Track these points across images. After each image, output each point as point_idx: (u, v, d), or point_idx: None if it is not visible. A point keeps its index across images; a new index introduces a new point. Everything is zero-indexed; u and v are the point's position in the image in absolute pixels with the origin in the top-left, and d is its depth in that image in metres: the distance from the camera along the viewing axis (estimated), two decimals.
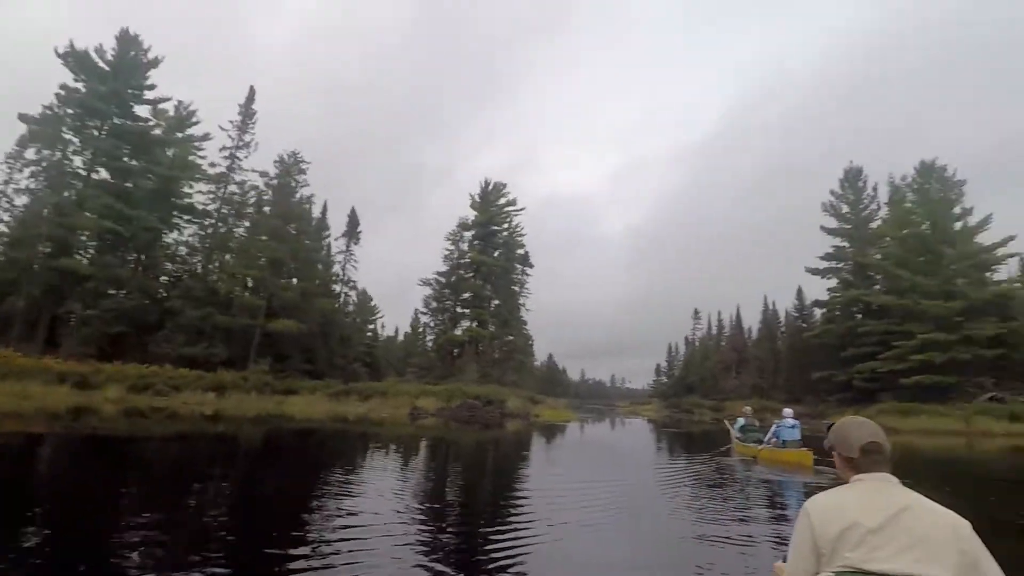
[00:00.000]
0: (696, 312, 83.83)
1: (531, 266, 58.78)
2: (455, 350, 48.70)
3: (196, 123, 40.18)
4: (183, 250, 39.95)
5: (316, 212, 46.77)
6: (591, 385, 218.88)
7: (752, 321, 70.72)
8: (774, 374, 56.88)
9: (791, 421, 13.37)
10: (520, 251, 57.76)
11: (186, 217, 39.64)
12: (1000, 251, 36.84)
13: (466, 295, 52.78)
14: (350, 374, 44.54)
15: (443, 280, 51.54)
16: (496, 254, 55.09)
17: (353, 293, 49.65)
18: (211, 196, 39.18)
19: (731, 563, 4.88)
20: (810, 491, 8.80)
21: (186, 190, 39.14)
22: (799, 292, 55.28)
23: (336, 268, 50.88)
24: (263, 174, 39.37)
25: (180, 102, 39.89)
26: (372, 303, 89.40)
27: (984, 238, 37.75)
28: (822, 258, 46.57)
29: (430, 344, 53.76)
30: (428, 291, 52.20)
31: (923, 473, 13.21)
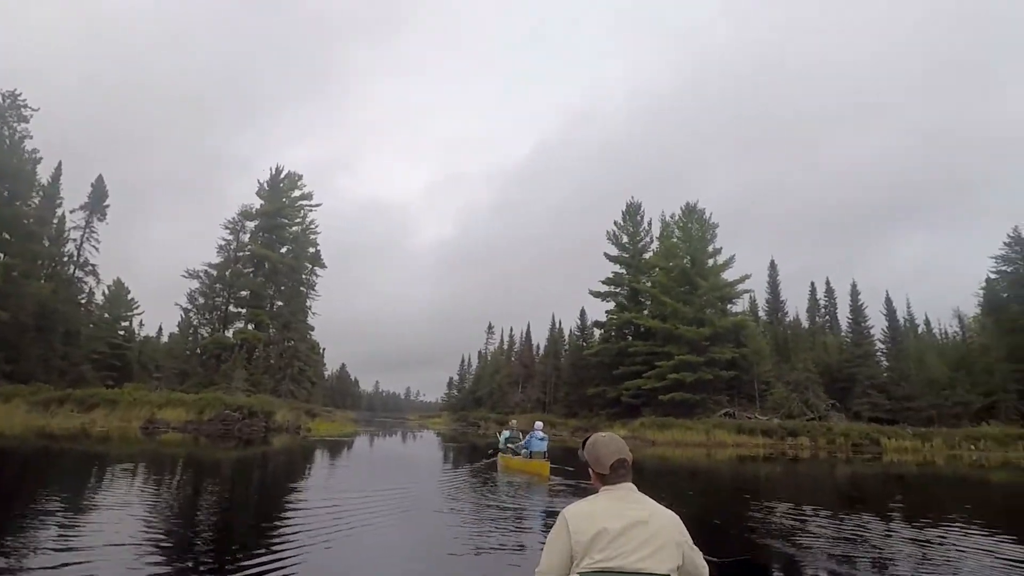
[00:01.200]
0: (490, 326, 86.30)
1: (323, 267, 55.07)
2: (222, 354, 42.82)
3: None
4: None
5: (46, 175, 37.75)
6: (385, 397, 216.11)
7: (541, 338, 74.98)
8: (556, 389, 60.53)
9: (540, 434, 14.49)
10: (312, 250, 53.73)
11: None
12: (739, 287, 44.23)
13: (243, 293, 47.12)
14: (75, 378, 36.49)
15: (214, 273, 45.27)
16: (284, 250, 50.38)
17: (92, 280, 40.81)
18: None
19: (503, 571, 5.26)
20: (553, 498, 10.25)
21: None
22: (582, 313, 60.14)
23: (72, 248, 41.82)
24: None
25: None
26: (129, 296, 76.05)
27: (728, 275, 44.91)
28: (603, 282, 51.23)
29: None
30: (195, 284, 45.46)
31: (671, 480, 15.70)
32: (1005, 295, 42.58)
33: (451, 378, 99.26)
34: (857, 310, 45.91)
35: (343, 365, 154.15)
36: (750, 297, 51.56)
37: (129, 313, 74.35)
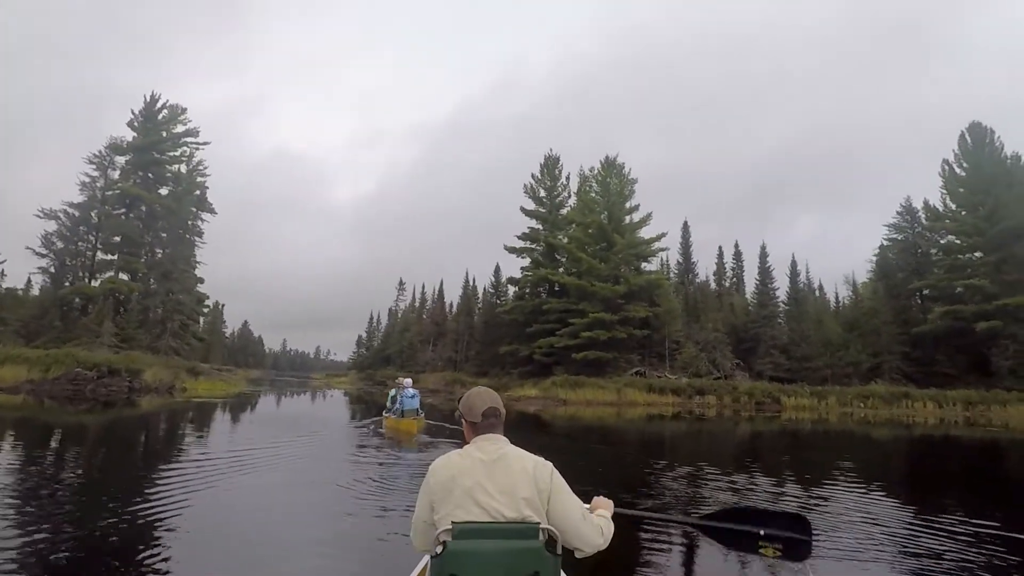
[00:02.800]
0: (401, 282, 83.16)
1: (212, 212, 50.24)
2: (88, 306, 38.06)
3: None
4: None
5: None
6: (292, 356, 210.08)
7: (455, 296, 73.31)
8: (468, 347, 59.51)
9: (410, 391, 14.26)
10: (198, 192, 48.71)
11: None
12: (655, 245, 44.45)
13: (116, 238, 41.93)
14: None
15: (76, 214, 39.89)
16: (163, 191, 45.30)
17: None
18: None
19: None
20: (421, 455, 10.50)
21: None
22: (497, 269, 58.71)
23: None
24: None
25: None
26: (44, 259, 66.75)
27: (644, 233, 44.93)
28: (519, 237, 49.98)
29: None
30: (53, 226, 39.90)
31: (581, 442, 15.61)
32: (894, 260, 45.53)
33: (360, 336, 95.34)
34: (765, 272, 47.52)
35: (245, 322, 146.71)
36: (662, 258, 52.22)
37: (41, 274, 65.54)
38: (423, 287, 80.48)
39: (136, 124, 43.53)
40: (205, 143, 48.07)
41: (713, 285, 57.39)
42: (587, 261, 41.55)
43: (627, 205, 44.48)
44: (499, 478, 1.83)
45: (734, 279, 56.95)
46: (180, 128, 46.70)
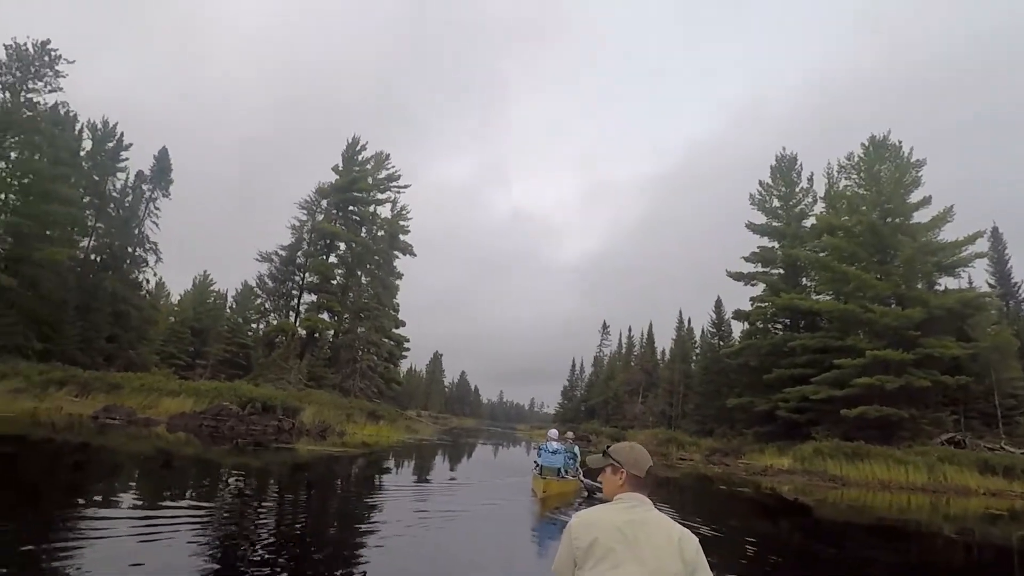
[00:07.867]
0: (605, 325, 72.94)
1: (413, 255, 48.11)
2: (282, 341, 36.70)
3: None
4: None
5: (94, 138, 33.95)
6: (508, 407, 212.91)
7: (667, 341, 61.81)
8: (684, 400, 48.17)
9: (552, 444, 11.41)
10: (402, 237, 47.14)
11: None
12: (967, 250, 28.16)
13: (316, 278, 41.16)
14: (125, 363, 31.98)
15: (284, 255, 39.78)
16: (363, 232, 44.21)
17: (152, 257, 36.25)
18: None
19: None
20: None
21: None
22: (718, 304, 46.41)
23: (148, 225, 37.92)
24: None
25: None
26: (258, 300, 75.89)
27: (946, 234, 28.95)
28: (747, 259, 37.76)
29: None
30: (265, 268, 40.29)
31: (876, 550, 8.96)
32: None
33: (564, 385, 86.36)
34: None
35: (463, 373, 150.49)
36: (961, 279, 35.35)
37: (256, 316, 74.22)
38: (630, 330, 68.54)
39: (340, 168, 43.33)
40: (406, 186, 46.77)
41: None
42: (855, 276, 28.05)
43: (910, 200, 30.01)
44: (643, 544, 1.75)
45: None
46: (384, 173, 46.02)
